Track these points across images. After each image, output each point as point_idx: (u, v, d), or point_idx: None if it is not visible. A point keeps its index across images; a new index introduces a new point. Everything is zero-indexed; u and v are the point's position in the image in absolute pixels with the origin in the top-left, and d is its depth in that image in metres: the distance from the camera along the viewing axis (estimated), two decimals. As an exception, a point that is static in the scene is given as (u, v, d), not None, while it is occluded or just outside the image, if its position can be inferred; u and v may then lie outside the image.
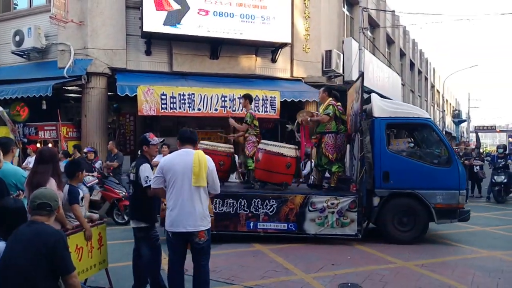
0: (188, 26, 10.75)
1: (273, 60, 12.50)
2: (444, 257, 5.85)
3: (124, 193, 8.32)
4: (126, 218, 8.22)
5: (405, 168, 6.58)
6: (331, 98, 6.87)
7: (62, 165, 4.39)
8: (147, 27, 10.47)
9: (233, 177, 8.53)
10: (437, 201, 6.48)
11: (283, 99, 11.32)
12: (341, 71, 13.92)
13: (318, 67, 13.17)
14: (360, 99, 6.43)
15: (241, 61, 12.05)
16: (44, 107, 10.97)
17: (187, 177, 3.56)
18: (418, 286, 4.59)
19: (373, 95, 7.03)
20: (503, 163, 11.79)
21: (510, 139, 36.66)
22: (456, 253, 6.14)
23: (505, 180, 11.54)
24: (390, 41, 22.48)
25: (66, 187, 4.03)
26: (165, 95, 10.24)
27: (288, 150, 6.63)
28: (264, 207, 6.44)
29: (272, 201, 6.44)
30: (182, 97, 10.38)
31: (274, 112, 11.22)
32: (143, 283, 4.29)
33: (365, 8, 15.30)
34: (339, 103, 6.91)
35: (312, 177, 8.16)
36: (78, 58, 10.72)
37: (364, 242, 6.47)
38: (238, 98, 10.58)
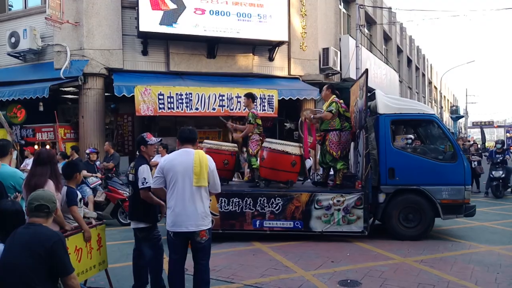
0: (185, 26, 10.74)
1: (270, 59, 12.50)
2: (443, 253, 5.86)
3: (128, 194, 8.28)
4: None
5: (411, 164, 6.58)
6: (334, 96, 6.87)
7: (60, 166, 4.38)
8: (143, 27, 10.46)
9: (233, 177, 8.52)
10: (443, 197, 6.48)
11: (281, 98, 11.33)
12: (338, 69, 13.93)
13: (315, 65, 13.17)
14: (364, 96, 6.43)
15: (238, 60, 12.04)
16: (41, 108, 10.97)
17: (188, 177, 3.56)
18: (418, 281, 4.60)
19: (377, 91, 7.00)
20: (501, 158, 11.82)
21: (508, 134, 36.70)
22: (455, 248, 6.15)
23: (503, 175, 11.59)
24: (387, 38, 22.49)
25: (64, 188, 4.02)
26: (163, 95, 10.23)
27: (292, 148, 6.61)
28: (270, 206, 6.43)
29: (278, 199, 6.43)
30: (179, 96, 10.37)
31: (272, 111, 11.22)
32: (144, 283, 4.28)
33: (362, 5, 15.32)
34: (341, 101, 6.92)
35: (313, 173, 8.16)
36: (74, 59, 10.71)
37: (363, 238, 6.48)
38: (236, 97, 10.58)
